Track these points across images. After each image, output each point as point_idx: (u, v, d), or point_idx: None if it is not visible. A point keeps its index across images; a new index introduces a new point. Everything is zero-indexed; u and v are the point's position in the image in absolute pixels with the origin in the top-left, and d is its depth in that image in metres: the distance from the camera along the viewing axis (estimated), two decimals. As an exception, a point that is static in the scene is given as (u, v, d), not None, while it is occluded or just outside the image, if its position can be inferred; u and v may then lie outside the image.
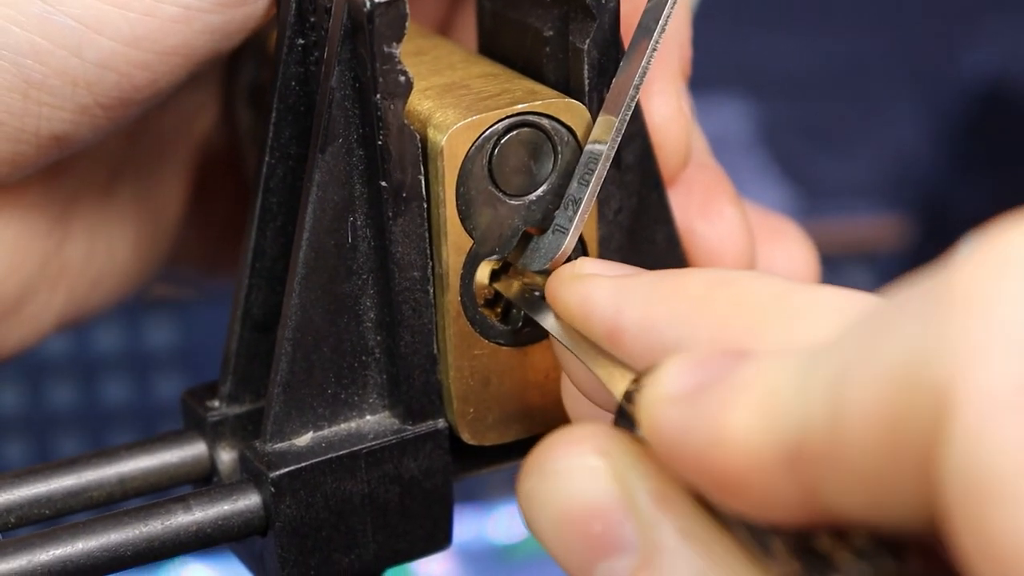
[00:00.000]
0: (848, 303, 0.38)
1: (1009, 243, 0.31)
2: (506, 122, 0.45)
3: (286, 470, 0.46)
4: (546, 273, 0.46)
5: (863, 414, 0.31)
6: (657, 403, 0.36)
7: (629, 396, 0.38)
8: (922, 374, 0.30)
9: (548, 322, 0.45)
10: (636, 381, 0.38)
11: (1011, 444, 0.28)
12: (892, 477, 0.31)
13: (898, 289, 0.33)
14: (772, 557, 0.35)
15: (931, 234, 1.17)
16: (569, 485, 0.39)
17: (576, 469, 0.39)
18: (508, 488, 1.09)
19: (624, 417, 0.39)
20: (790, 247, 0.56)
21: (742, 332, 0.38)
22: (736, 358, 0.36)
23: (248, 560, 0.49)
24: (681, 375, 0.36)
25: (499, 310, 0.47)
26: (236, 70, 0.58)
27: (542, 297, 0.46)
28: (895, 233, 1.20)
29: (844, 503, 0.33)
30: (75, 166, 0.53)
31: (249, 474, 0.47)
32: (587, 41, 0.46)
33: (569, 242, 0.46)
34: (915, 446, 0.30)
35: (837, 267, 1.17)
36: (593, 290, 0.42)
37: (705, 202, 0.52)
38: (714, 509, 0.37)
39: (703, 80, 0.58)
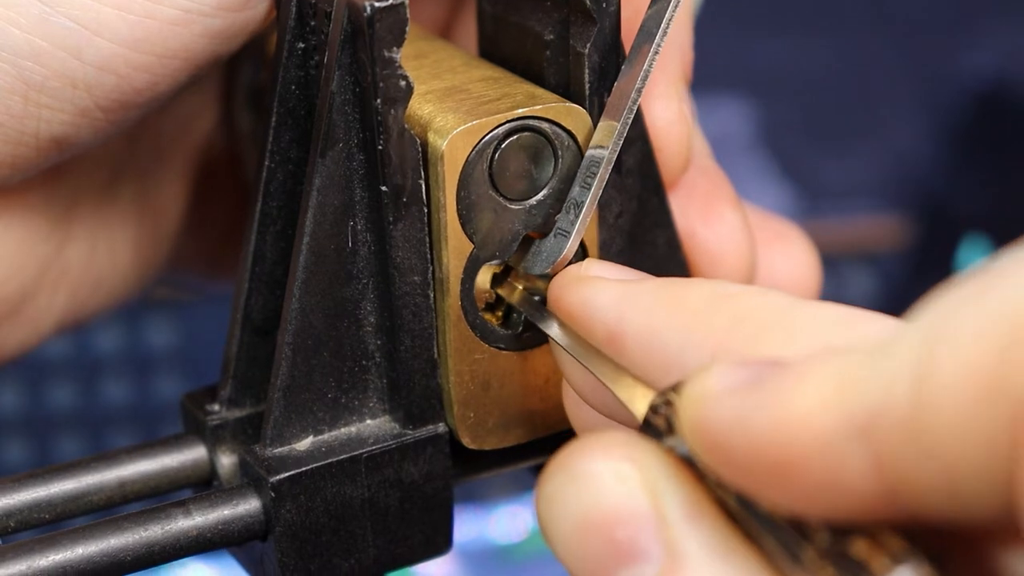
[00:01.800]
0: (850, 319, 0.37)
1: None
2: (507, 126, 0.45)
3: (286, 475, 0.46)
4: (547, 277, 0.45)
5: (956, 382, 0.31)
6: (707, 398, 0.36)
7: (656, 408, 0.38)
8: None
9: (549, 326, 0.45)
10: (663, 393, 0.38)
11: None
12: (976, 454, 0.31)
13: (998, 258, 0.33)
14: (802, 567, 0.34)
15: (931, 234, 1.17)
16: (597, 489, 0.38)
17: (606, 474, 0.38)
18: (509, 489, 1.09)
19: (649, 427, 0.38)
20: (791, 250, 0.56)
21: (742, 345, 0.38)
22: (776, 364, 0.36)
23: (248, 564, 0.49)
24: (730, 373, 0.36)
25: (500, 314, 0.47)
26: (236, 72, 0.58)
27: (543, 301, 0.46)
28: (895, 233, 1.19)
29: (916, 482, 0.32)
30: (76, 169, 0.53)
31: (249, 478, 0.47)
32: (588, 45, 0.46)
33: (571, 246, 0.45)
34: (1009, 419, 0.30)
35: (837, 267, 1.17)
36: (596, 294, 0.42)
37: (706, 206, 0.52)
38: (744, 522, 0.36)
39: (704, 81, 0.58)
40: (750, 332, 0.38)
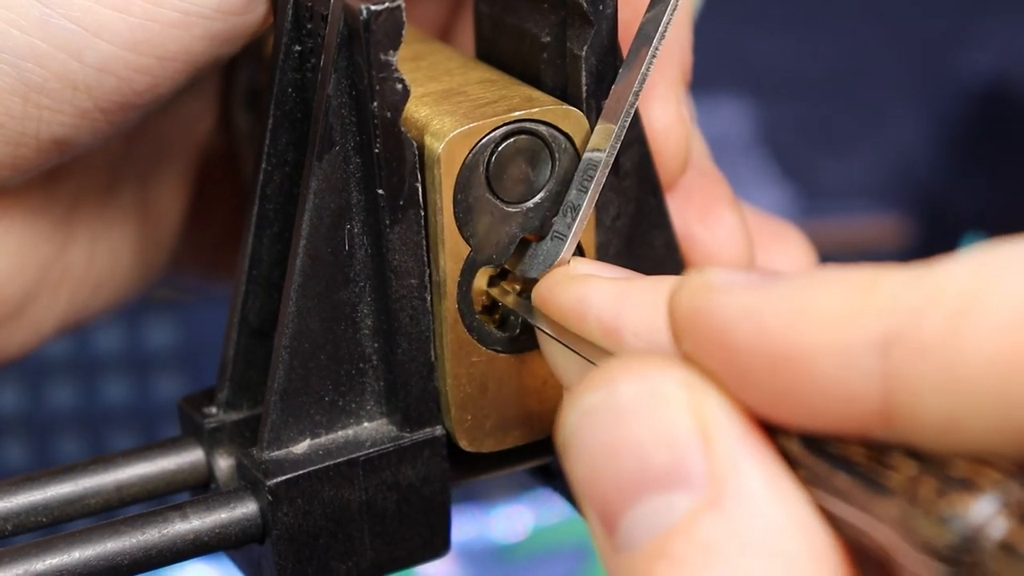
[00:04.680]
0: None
1: None
2: (503, 129, 0.45)
3: (283, 478, 0.46)
4: (544, 280, 0.46)
5: (1001, 326, 0.30)
6: (714, 289, 0.34)
7: None
8: None
9: (544, 326, 0.45)
10: None
11: None
12: (999, 402, 0.30)
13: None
14: (890, 495, 0.32)
15: (931, 234, 1.17)
16: (643, 407, 0.35)
17: (655, 394, 0.35)
18: (508, 489, 1.09)
19: None
20: (790, 250, 0.56)
21: None
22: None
23: (246, 567, 0.49)
24: (736, 273, 0.34)
25: (497, 317, 0.47)
26: (234, 74, 0.58)
27: (540, 303, 0.46)
28: (895, 233, 1.20)
29: (920, 411, 0.31)
30: (76, 171, 0.53)
31: (246, 482, 0.47)
32: (585, 48, 0.46)
33: (568, 248, 0.45)
34: None
35: (837, 267, 1.17)
36: (591, 291, 0.42)
37: (704, 207, 0.52)
38: (806, 462, 0.34)
39: (703, 81, 0.58)
40: None
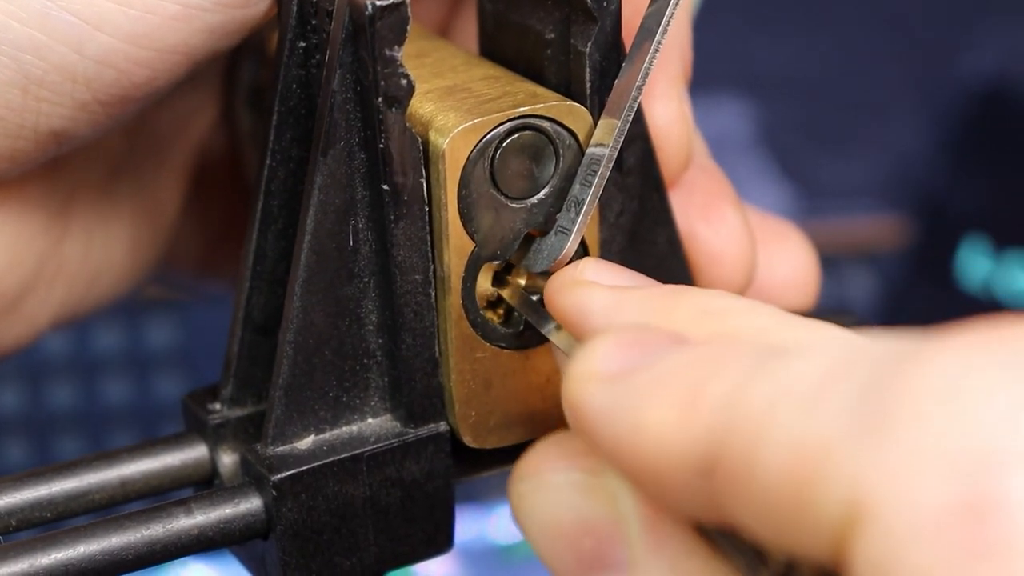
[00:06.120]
0: (834, 344, 0.37)
1: (956, 360, 0.31)
2: (507, 125, 0.45)
3: (288, 473, 0.46)
4: (548, 275, 0.46)
5: (781, 462, 0.31)
6: (582, 380, 0.36)
7: None
8: (845, 465, 0.30)
9: (547, 327, 0.45)
10: None
11: (932, 565, 0.29)
12: (799, 525, 0.31)
13: (860, 352, 0.33)
14: None
15: (931, 234, 1.17)
16: (559, 498, 0.39)
17: (567, 484, 0.38)
18: (508, 489, 1.09)
19: None
20: (791, 250, 0.56)
21: None
22: (670, 343, 0.36)
23: (250, 563, 0.49)
24: (610, 353, 0.36)
25: (501, 313, 0.47)
26: (236, 71, 0.58)
27: (542, 302, 0.46)
28: (895, 233, 1.19)
29: (753, 527, 0.33)
30: (74, 164, 0.53)
31: (251, 477, 0.47)
32: (588, 44, 0.46)
33: (572, 243, 0.46)
34: (828, 517, 0.31)
35: (837, 267, 1.17)
36: (588, 300, 0.42)
37: (706, 205, 0.52)
38: (708, 534, 0.36)
39: (703, 81, 0.58)
40: None
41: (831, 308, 0.55)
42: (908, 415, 0.30)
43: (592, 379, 0.36)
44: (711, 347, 0.35)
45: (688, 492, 0.34)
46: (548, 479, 0.39)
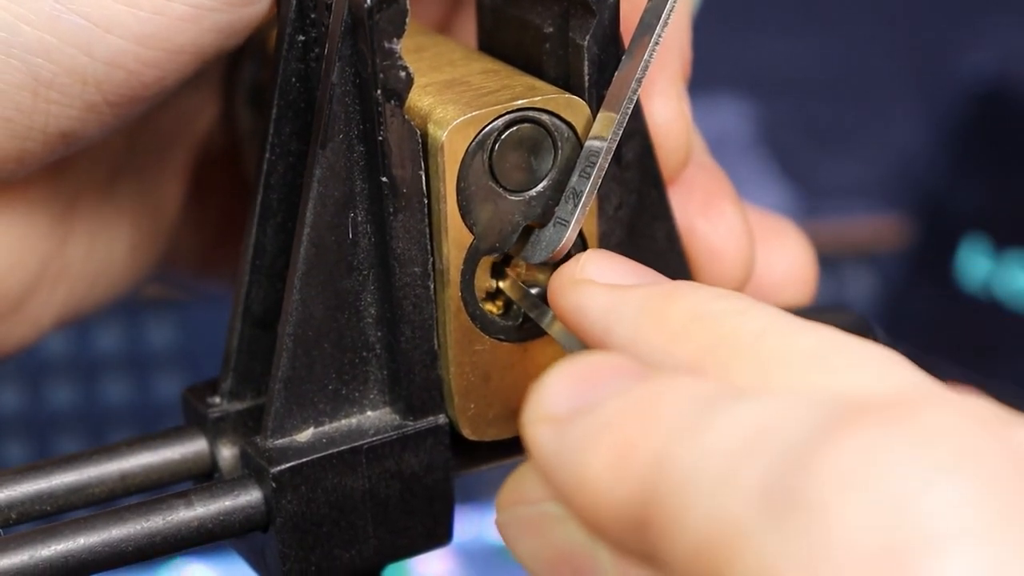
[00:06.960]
0: (828, 352, 0.37)
1: (867, 442, 0.31)
2: (506, 118, 0.45)
3: (287, 466, 0.46)
4: (547, 266, 0.46)
5: (699, 537, 0.32)
6: (534, 422, 0.37)
7: None
8: (756, 553, 0.31)
9: (547, 321, 0.45)
10: None
11: None
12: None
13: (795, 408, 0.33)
14: None
15: (931, 234, 1.17)
16: (535, 529, 0.39)
17: (540, 516, 0.39)
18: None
19: None
20: (788, 246, 0.56)
21: (715, 371, 0.38)
22: (622, 377, 0.36)
23: (249, 556, 0.49)
24: (560, 392, 0.36)
25: (500, 305, 0.47)
26: (236, 69, 0.58)
27: (542, 293, 0.46)
28: (895, 233, 1.20)
29: None
30: (77, 165, 0.54)
31: (250, 470, 0.47)
32: (587, 37, 0.46)
33: (570, 235, 0.46)
34: None
35: (837, 267, 1.17)
36: (587, 301, 0.42)
37: (706, 201, 0.52)
38: None
39: (703, 80, 0.58)
40: (723, 359, 0.38)
41: (828, 305, 0.55)
42: (818, 503, 0.30)
43: (541, 421, 0.36)
44: (653, 390, 0.35)
45: (630, 541, 0.34)
46: (523, 512, 0.40)
